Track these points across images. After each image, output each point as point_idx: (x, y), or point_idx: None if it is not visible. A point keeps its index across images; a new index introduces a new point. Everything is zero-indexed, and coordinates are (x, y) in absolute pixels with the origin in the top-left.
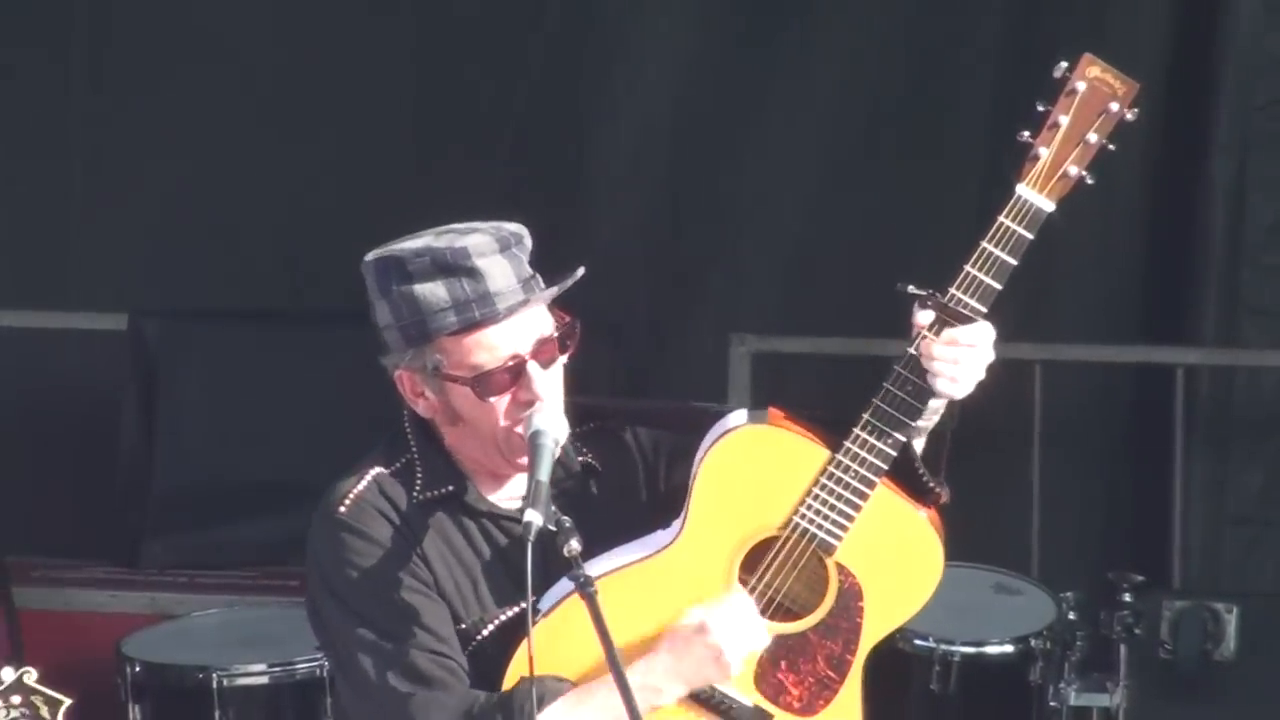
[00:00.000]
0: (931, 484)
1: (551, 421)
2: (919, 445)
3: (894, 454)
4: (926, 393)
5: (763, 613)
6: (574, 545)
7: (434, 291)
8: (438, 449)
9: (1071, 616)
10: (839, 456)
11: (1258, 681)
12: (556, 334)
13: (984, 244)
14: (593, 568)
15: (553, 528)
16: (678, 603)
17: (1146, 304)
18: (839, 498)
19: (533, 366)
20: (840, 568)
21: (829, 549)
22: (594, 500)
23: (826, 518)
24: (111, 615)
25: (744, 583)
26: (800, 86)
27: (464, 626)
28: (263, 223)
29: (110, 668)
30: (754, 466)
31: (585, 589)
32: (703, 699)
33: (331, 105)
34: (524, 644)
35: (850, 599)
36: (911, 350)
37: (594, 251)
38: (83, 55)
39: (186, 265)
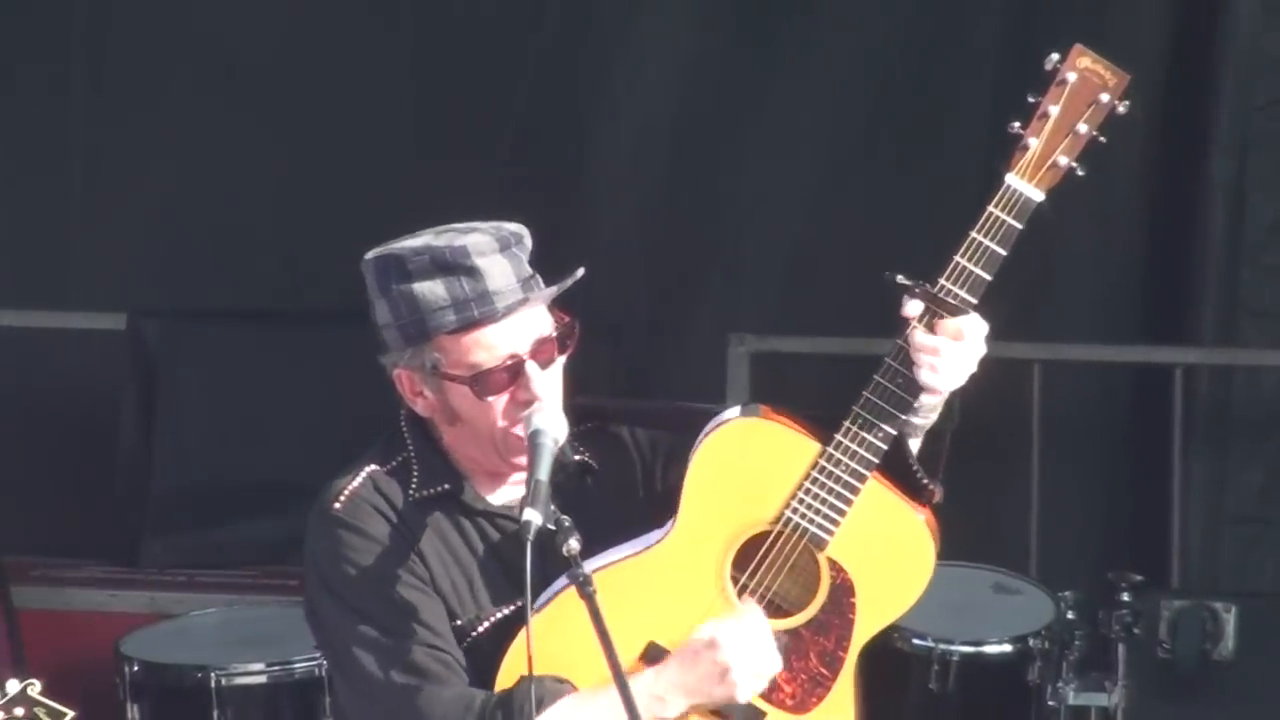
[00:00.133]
0: (925, 482)
1: (551, 421)
2: (916, 444)
3: (885, 447)
4: (916, 385)
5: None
6: (573, 544)
7: (433, 290)
8: (434, 448)
9: (1070, 616)
10: (830, 450)
11: (1256, 681)
12: (555, 334)
13: (973, 234)
14: (586, 565)
15: (552, 527)
16: (669, 597)
17: (1146, 304)
18: (830, 491)
19: (531, 366)
20: (832, 563)
21: (821, 543)
22: (590, 499)
23: (818, 512)
24: (110, 615)
25: (735, 579)
26: (800, 86)
27: (460, 624)
28: (262, 223)
29: (109, 667)
30: (746, 459)
31: (585, 589)
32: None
33: (331, 105)
34: (518, 641)
35: (842, 595)
36: (900, 342)
37: (594, 251)
38: (83, 56)
39: (186, 265)
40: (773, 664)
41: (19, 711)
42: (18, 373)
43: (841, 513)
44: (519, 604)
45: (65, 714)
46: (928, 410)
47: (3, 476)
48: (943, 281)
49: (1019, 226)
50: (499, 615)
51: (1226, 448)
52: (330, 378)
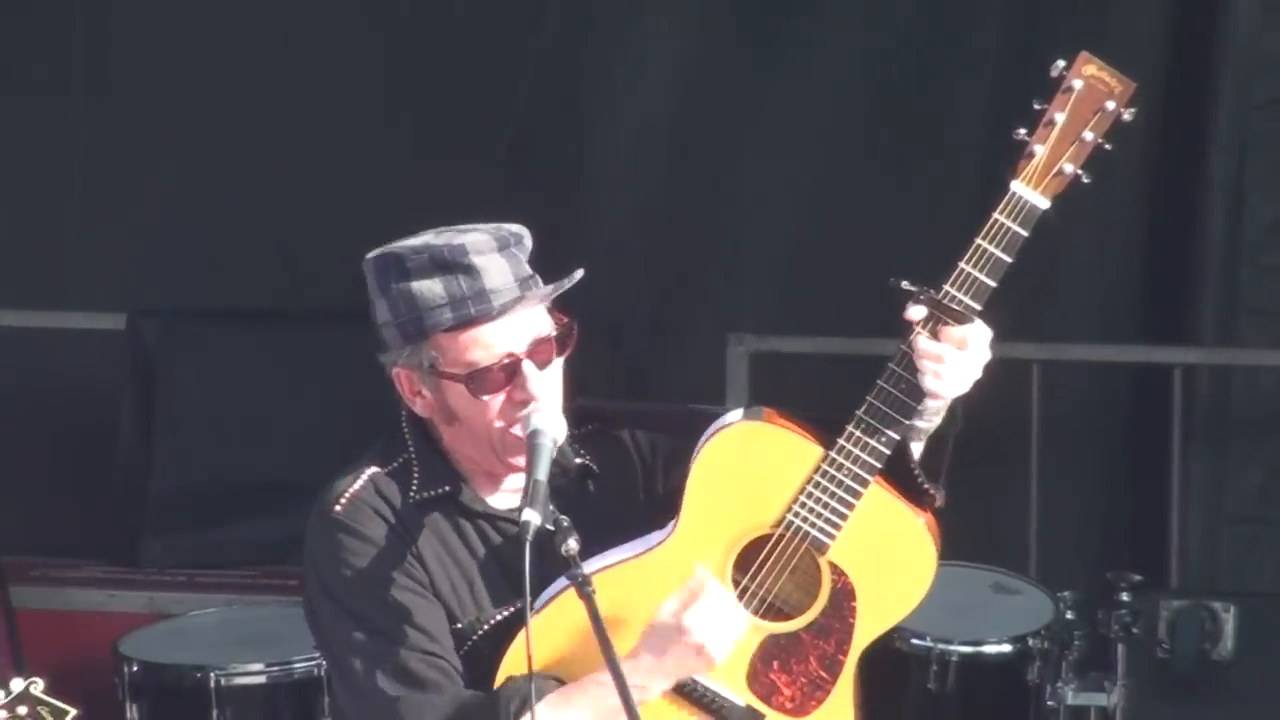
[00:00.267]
0: (927, 486)
1: (549, 421)
2: (918, 448)
3: (887, 452)
4: (920, 391)
5: (755, 612)
6: (572, 545)
7: (431, 288)
8: (435, 449)
9: (1069, 616)
10: (833, 454)
11: (1255, 681)
12: (554, 335)
13: (978, 240)
14: (586, 567)
15: (550, 527)
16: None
17: (1145, 304)
18: (833, 495)
19: (528, 366)
20: (833, 567)
21: (822, 547)
22: (591, 501)
23: (820, 516)
24: (110, 615)
25: (736, 581)
26: (799, 86)
27: (460, 627)
28: (262, 223)
29: (108, 667)
30: (748, 463)
31: (584, 589)
32: (694, 698)
33: (331, 105)
34: (516, 642)
35: (843, 599)
36: (903, 347)
37: (594, 251)
38: (83, 56)
39: (185, 265)
40: (739, 625)
41: (22, 710)
42: (17, 373)
43: (843, 517)
44: (518, 606)
45: (68, 712)
46: (930, 414)
47: (2, 476)
48: (947, 288)
49: (1024, 234)
50: (499, 618)
51: (1226, 448)
52: (330, 378)
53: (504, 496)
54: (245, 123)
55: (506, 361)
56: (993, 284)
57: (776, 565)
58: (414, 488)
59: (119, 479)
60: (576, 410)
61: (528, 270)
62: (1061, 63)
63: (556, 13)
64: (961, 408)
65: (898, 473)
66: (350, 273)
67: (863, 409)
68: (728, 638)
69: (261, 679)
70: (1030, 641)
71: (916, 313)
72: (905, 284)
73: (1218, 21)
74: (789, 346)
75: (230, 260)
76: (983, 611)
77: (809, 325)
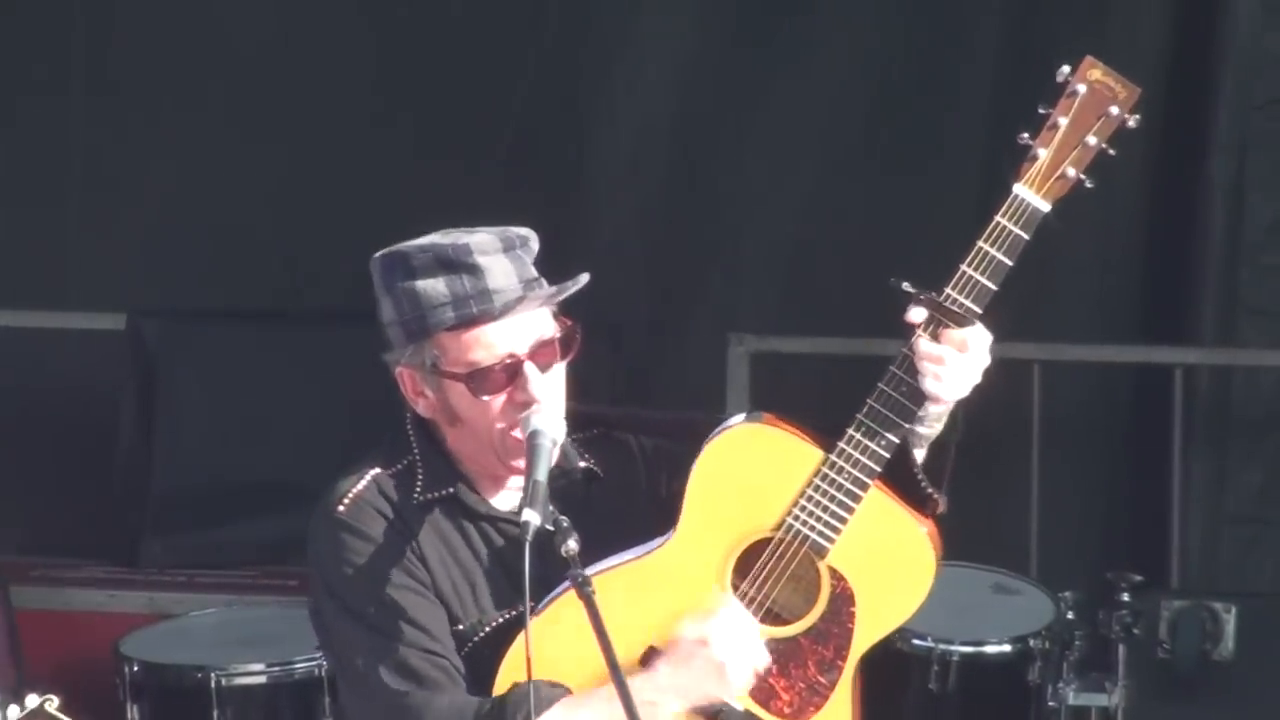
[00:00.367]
0: (930, 491)
1: (549, 422)
2: (921, 454)
3: (887, 455)
4: (920, 394)
5: (753, 615)
6: (571, 545)
7: (434, 287)
8: (439, 451)
9: (1070, 616)
10: (832, 457)
11: (1256, 681)
12: (557, 337)
13: (980, 243)
14: (587, 570)
15: (550, 527)
16: (669, 601)
17: (1145, 304)
18: (832, 499)
19: (529, 368)
20: (833, 572)
21: (821, 551)
22: (594, 506)
23: (820, 519)
24: (110, 615)
25: (735, 585)
26: (799, 86)
27: (461, 628)
28: (261, 223)
29: (109, 667)
30: (748, 465)
31: (584, 589)
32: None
33: (331, 105)
34: (517, 644)
35: (842, 604)
36: (905, 350)
37: (594, 251)
38: (83, 56)
39: (185, 265)
40: (762, 658)
41: None
42: (17, 373)
43: (843, 521)
44: (520, 608)
45: None
46: (932, 420)
47: (2, 476)
48: (949, 290)
49: (1026, 237)
50: (500, 620)
51: (1226, 448)
52: (330, 378)
53: (507, 498)
54: (245, 123)
55: (508, 362)
56: (994, 287)
57: (776, 569)
58: (417, 489)
59: (119, 479)
60: (580, 414)
61: (533, 272)
62: (1066, 68)
63: (556, 13)
64: (964, 414)
65: (900, 478)
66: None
67: (863, 412)
68: (749, 664)
69: (262, 679)
70: (1031, 642)
71: (917, 315)
72: (906, 286)
73: (1218, 21)
74: (789, 346)
75: (230, 260)
76: (983, 612)
77: (809, 325)
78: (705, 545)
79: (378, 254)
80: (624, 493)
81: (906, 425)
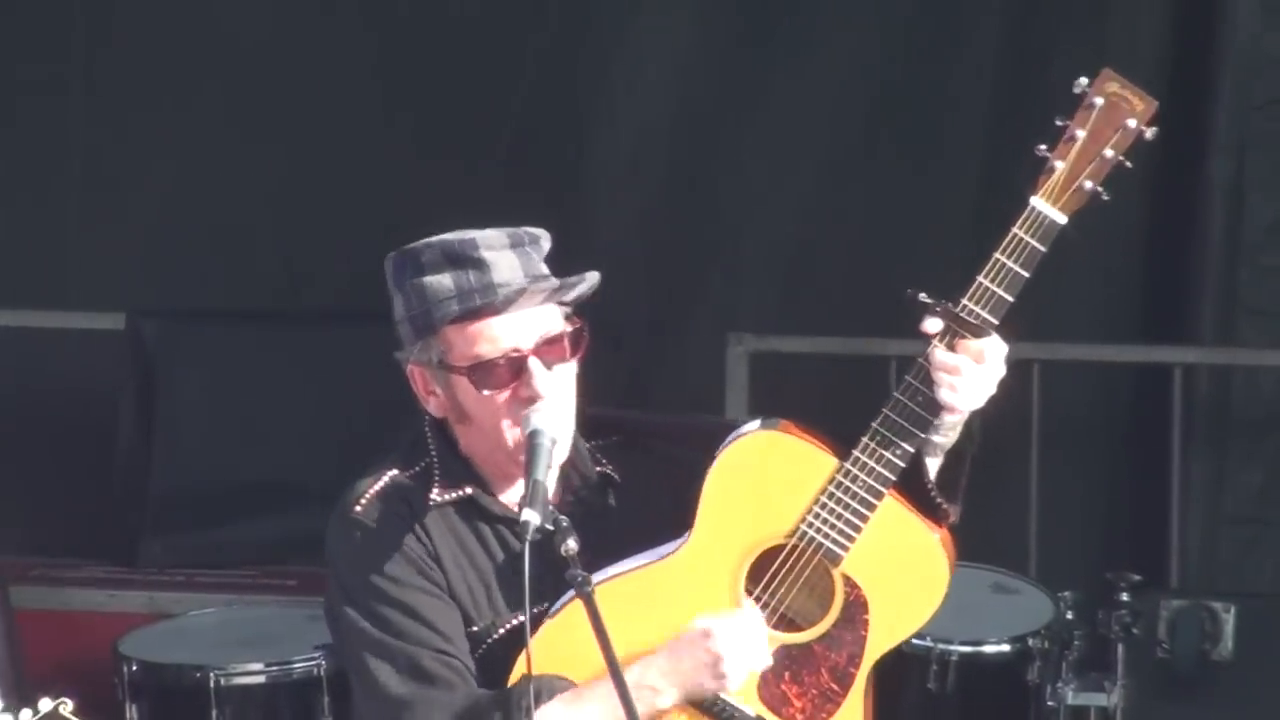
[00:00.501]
0: (941, 501)
1: (550, 421)
2: (936, 463)
3: (902, 465)
4: (936, 404)
5: (767, 622)
6: (571, 545)
7: (440, 282)
8: (456, 453)
9: (1069, 616)
10: (847, 465)
11: (1255, 681)
12: (565, 334)
13: (997, 255)
14: (600, 574)
15: (550, 527)
16: (683, 607)
17: (1145, 303)
18: (846, 507)
19: (534, 363)
20: (847, 579)
21: (835, 559)
22: (611, 511)
23: (834, 527)
24: (109, 614)
25: (749, 590)
26: (799, 86)
27: (475, 629)
28: (260, 223)
29: (108, 667)
30: (763, 471)
31: (582, 588)
32: (704, 706)
33: (330, 105)
34: (534, 639)
35: (856, 611)
36: (921, 360)
37: (594, 252)
38: (82, 56)
39: (184, 265)
40: (762, 659)
41: None
42: (16, 372)
43: (857, 528)
44: (534, 611)
45: None
46: (947, 429)
47: (2, 476)
48: (965, 301)
49: (1042, 249)
50: (514, 621)
51: (1225, 448)
52: (328, 378)
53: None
54: (244, 123)
55: (513, 356)
56: (1010, 299)
57: (790, 575)
58: (434, 490)
59: (118, 479)
60: (600, 420)
61: (542, 269)
62: (1084, 80)
63: (556, 13)
64: (979, 424)
65: (914, 488)
66: (348, 273)
67: (878, 421)
68: (747, 660)
69: (261, 679)
70: (1030, 641)
71: (933, 325)
72: (923, 296)
73: (1217, 22)
74: (789, 346)
75: (229, 260)
76: (982, 611)
77: (809, 325)
78: (720, 550)
79: (390, 254)
80: (642, 499)
81: (922, 435)
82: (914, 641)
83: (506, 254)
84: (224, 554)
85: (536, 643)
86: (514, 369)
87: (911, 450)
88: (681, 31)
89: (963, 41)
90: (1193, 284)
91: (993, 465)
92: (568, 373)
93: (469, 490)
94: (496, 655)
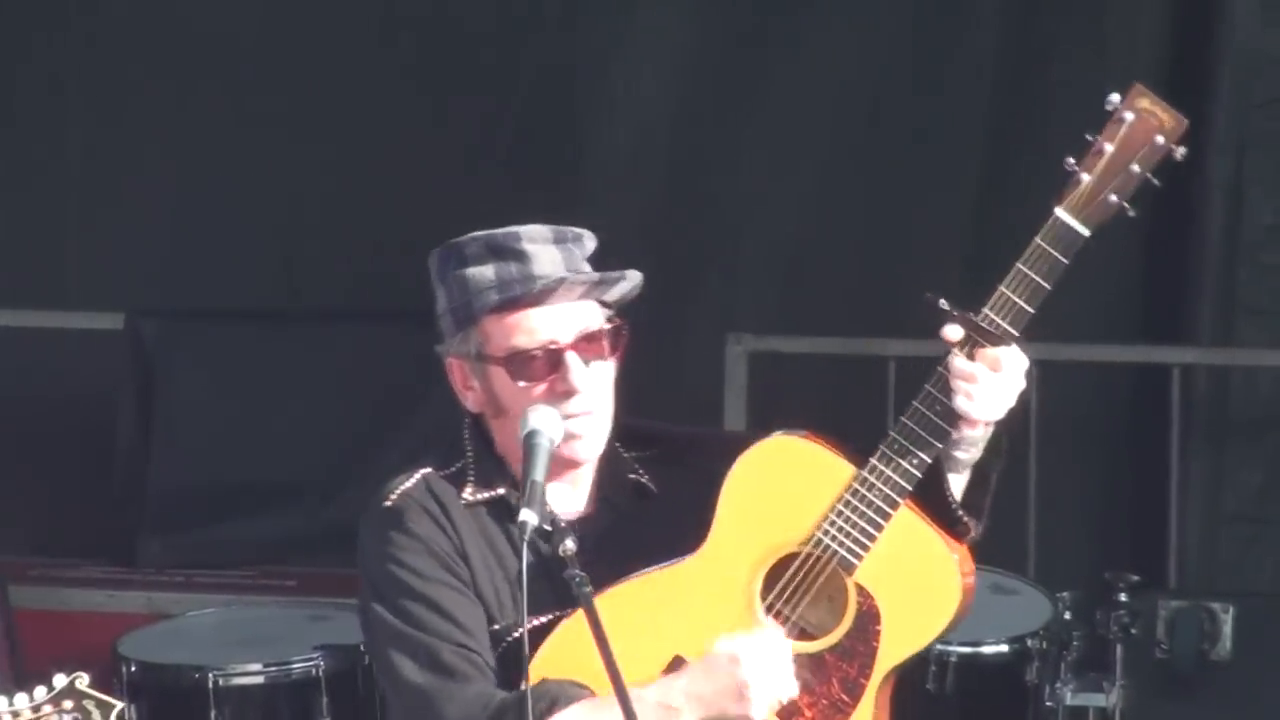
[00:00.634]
0: (961, 515)
1: (547, 421)
2: (961, 479)
3: (919, 475)
4: (954, 414)
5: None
6: (569, 545)
7: (482, 273)
8: (491, 453)
9: (1068, 616)
10: (864, 473)
11: (1253, 681)
12: (604, 330)
13: (1019, 265)
14: (624, 581)
15: (548, 527)
16: (697, 611)
17: (1143, 303)
18: (862, 515)
19: (571, 357)
20: (860, 589)
21: (849, 567)
22: (643, 521)
23: (849, 535)
24: (108, 615)
25: (764, 597)
26: (798, 86)
27: (497, 628)
28: (260, 222)
29: (106, 667)
30: (780, 477)
31: (580, 588)
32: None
33: (330, 105)
34: (547, 646)
35: (868, 622)
36: (940, 369)
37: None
38: (82, 56)
39: (184, 264)
40: (789, 689)
41: (68, 704)
42: (16, 372)
43: (871, 538)
44: (557, 614)
45: (114, 705)
46: (969, 444)
47: (1, 476)
48: (986, 310)
49: (1065, 261)
50: (536, 622)
51: (1224, 447)
52: (328, 377)
53: (558, 505)
54: (244, 123)
55: (550, 349)
56: (1031, 310)
57: (804, 584)
58: (467, 490)
59: (117, 478)
60: (640, 432)
61: (584, 266)
62: (1116, 96)
63: (555, 12)
64: (1007, 443)
65: (935, 501)
66: (348, 273)
67: (896, 429)
68: (775, 692)
69: (259, 679)
70: (1029, 642)
71: (953, 332)
72: (943, 303)
73: (1216, 21)
74: (788, 346)
75: (229, 260)
76: (981, 612)
77: (808, 325)
78: (735, 555)
79: (435, 249)
80: (676, 512)
81: (939, 445)
82: None
83: (549, 248)
84: (223, 554)
85: (554, 643)
86: (551, 362)
87: (929, 460)
88: (680, 31)
89: (962, 41)
90: (1192, 283)
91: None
92: (606, 371)
93: (501, 490)
94: (516, 655)
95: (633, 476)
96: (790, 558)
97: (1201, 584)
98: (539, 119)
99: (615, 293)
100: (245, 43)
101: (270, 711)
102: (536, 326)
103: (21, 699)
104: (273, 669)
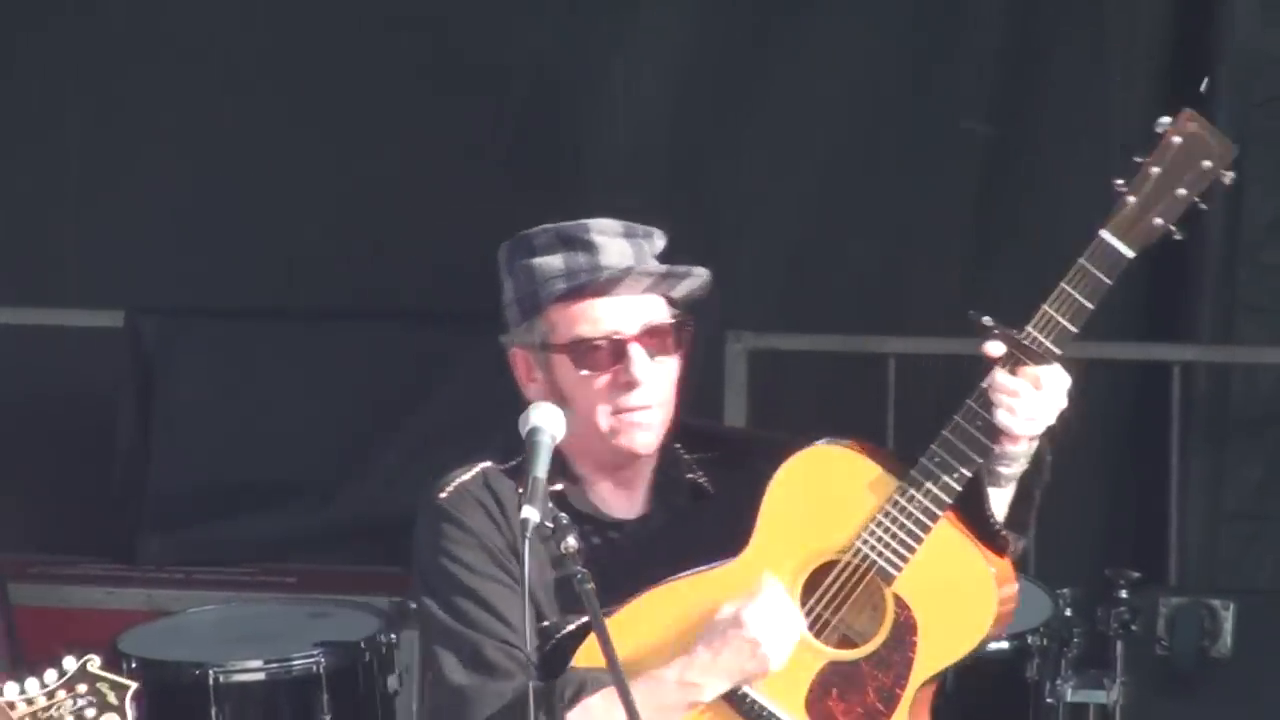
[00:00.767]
0: (999, 529)
1: (549, 419)
2: (1005, 494)
3: (959, 488)
4: (995, 429)
5: (818, 636)
6: (570, 543)
7: (551, 262)
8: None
9: (1068, 613)
10: (905, 485)
11: (1254, 678)
12: (670, 325)
13: (1063, 285)
14: (666, 584)
15: (550, 524)
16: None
17: (1144, 301)
18: (902, 527)
19: (635, 349)
20: (898, 599)
21: (888, 578)
22: (697, 520)
23: (888, 546)
24: (108, 612)
25: (803, 601)
26: (798, 84)
27: (545, 624)
28: (260, 221)
29: (107, 664)
30: (823, 485)
31: (582, 585)
32: (751, 717)
33: (330, 104)
34: (589, 643)
35: (905, 632)
36: (983, 385)
37: None
38: (80, 52)
39: (184, 263)
40: (796, 625)
41: (81, 688)
42: (16, 370)
43: (911, 549)
44: (607, 610)
45: (128, 686)
46: (1010, 459)
47: (1, 474)
48: (1029, 329)
49: (1109, 282)
50: (585, 618)
51: (1224, 445)
52: (328, 376)
53: (615, 502)
54: (244, 121)
55: (615, 339)
56: (1074, 329)
57: (842, 592)
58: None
59: (117, 476)
60: (702, 433)
61: (652, 261)
62: (1166, 119)
63: (556, 12)
64: (1050, 461)
65: (976, 516)
66: (348, 272)
67: (938, 443)
68: (785, 638)
69: (260, 676)
70: (1029, 639)
71: (995, 348)
72: (986, 320)
73: (1216, 19)
74: (788, 344)
75: (229, 258)
76: None
77: (808, 322)
78: (776, 560)
79: (505, 241)
80: (733, 515)
81: (980, 460)
82: None
83: (619, 241)
84: (223, 551)
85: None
86: (615, 353)
87: (969, 474)
88: (681, 31)
89: (963, 41)
90: (1192, 282)
91: None
92: (669, 367)
93: (558, 486)
94: (564, 649)
95: (690, 476)
96: (830, 565)
97: (1202, 581)
98: (539, 119)
99: (682, 288)
100: (246, 41)
101: (271, 708)
102: (601, 316)
103: (32, 684)
104: (273, 666)
